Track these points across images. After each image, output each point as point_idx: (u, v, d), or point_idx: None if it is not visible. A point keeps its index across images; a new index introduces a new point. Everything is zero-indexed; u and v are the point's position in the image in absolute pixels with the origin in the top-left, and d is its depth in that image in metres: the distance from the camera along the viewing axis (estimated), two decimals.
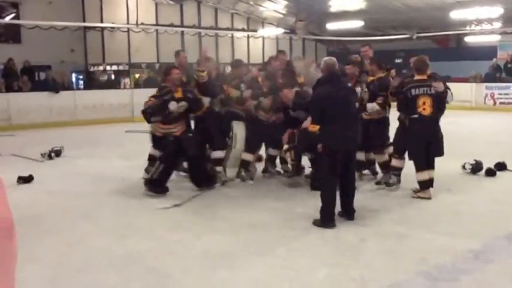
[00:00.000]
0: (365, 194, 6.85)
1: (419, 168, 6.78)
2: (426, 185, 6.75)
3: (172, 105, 7.11)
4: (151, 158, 7.80)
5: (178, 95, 7.24)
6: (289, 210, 6.27)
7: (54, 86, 16.48)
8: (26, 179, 7.91)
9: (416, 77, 6.82)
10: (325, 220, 5.58)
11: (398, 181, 7.23)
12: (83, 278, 4.39)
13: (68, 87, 17.92)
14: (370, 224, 5.68)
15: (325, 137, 5.79)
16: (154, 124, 7.35)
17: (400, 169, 7.21)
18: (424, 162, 6.75)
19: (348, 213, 5.82)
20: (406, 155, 7.04)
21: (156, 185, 7.08)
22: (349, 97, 5.82)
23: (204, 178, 7.38)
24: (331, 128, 5.68)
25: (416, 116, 6.69)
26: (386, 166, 7.49)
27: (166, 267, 4.57)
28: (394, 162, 7.26)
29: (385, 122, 7.52)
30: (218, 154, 7.76)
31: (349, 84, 5.87)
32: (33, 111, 15.39)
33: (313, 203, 6.22)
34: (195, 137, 7.54)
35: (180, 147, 7.17)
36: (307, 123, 7.01)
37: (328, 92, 5.74)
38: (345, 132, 5.65)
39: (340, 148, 5.68)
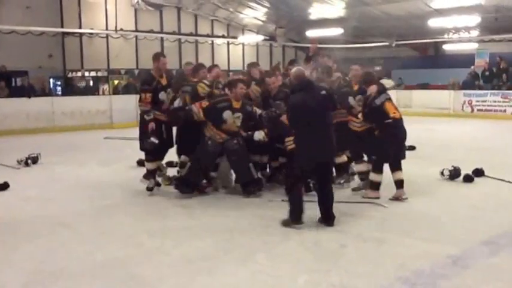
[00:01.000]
0: (344, 199, 6.85)
1: (378, 170, 6.91)
2: (378, 185, 6.93)
3: (226, 114, 7.01)
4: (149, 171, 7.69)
5: (236, 105, 7.09)
6: (268, 216, 6.24)
7: (30, 91, 16.31)
8: (1, 186, 7.76)
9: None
10: (292, 219, 5.72)
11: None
12: (61, 285, 4.32)
13: (48, 93, 17.73)
14: (349, 230, 5.69)
15: (299, 150, 5.86)
16: (209, 126, 7.15)
17: (366, 172, 7.28)
18: (383, 165, 6.91)
19: (328, 219, 5.83)
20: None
21: (183, 183, 7.12)
22: (321, 104, 5.79)
23: (249, 183, 7.21)
24: (304, 138, 5.75)
25: (390, 120, 6.79)
26: (344, 167, 7.63)
27: (145, 274, 4.51)
28: (358, 168, 7.43)
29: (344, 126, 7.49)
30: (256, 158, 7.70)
31: (323, 92, 5.86)
32: (10, 117, 15.19)
33: None
34: (239, 143, 7.19)
35: (219, 153, 7.19)
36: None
37: (298, 99, 5.82)
38: (318, 142, 5.70)
39: (314, 160, 5.74)
